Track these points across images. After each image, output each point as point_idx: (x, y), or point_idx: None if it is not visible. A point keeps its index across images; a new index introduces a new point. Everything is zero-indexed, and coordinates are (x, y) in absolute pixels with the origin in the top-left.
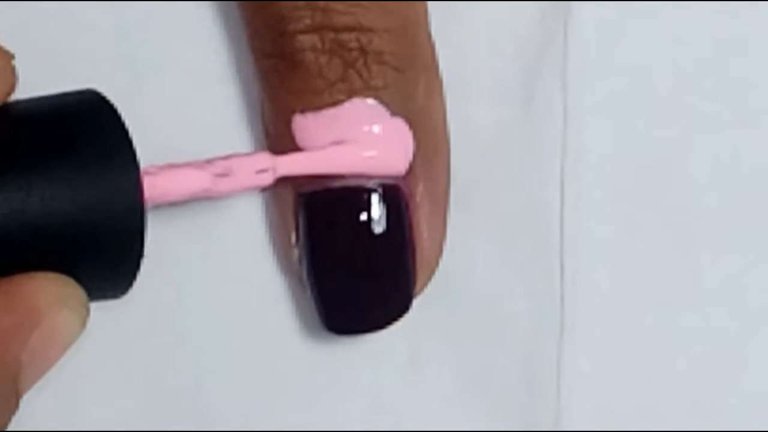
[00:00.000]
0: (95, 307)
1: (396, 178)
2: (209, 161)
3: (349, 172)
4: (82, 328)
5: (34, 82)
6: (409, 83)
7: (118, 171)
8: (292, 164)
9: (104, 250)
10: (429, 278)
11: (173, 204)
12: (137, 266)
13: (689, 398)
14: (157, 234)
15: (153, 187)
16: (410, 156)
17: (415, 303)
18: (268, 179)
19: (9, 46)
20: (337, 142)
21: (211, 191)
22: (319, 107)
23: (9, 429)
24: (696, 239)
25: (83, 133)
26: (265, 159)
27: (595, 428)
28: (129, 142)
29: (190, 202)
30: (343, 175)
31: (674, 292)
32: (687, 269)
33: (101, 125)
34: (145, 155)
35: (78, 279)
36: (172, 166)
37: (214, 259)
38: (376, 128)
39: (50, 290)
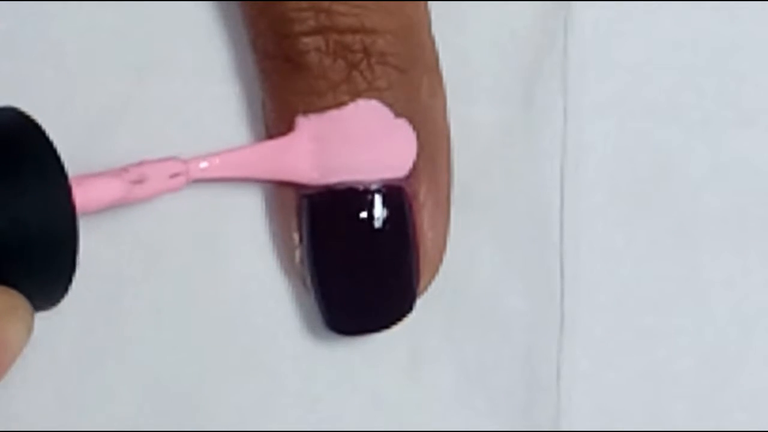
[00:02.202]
0: (96, 307)
1: (399, 178)
2: (124, 168)
3: (273, 177)
4: (29, 337)
5: (34, 82)
6: (412, 84)
7: (50, 186)
8: (204, 168)
9: (40, 263)
10: (432, 278)
11: (89, 213)
12: (71, 277)
13: (689, 398)
14: (157, 234)
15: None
16: (413, 157)
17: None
18: (180, 183)
19: (9, 46)
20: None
21: (126, 199)
22: (322, 109)
23: (9, 429)
24: (696, 239)
25: (12, 152)
26: (177, 164)
27: (595, 428)
28: (57, 157)
29: (189, 203)
30: (269, 179)
31: (674, 292)
32: (687, 269)
33: (28, 142)
34: (145, 155)
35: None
36: (86, 177)
37: (215, 259)
38: (378, 130)
39: None
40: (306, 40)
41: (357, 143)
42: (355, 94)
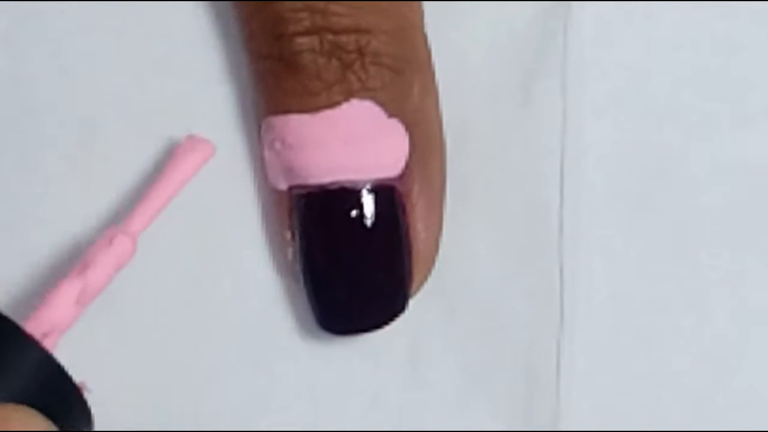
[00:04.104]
0: (94, 307)
1: (391, 178)
2: (70, 268)
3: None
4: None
5: (34, 83)
6: (405, 84)
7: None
8: (138, 220)
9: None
10: (425, 278)
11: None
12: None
13: (689, 398)
14: (155, 234)
15: (47, 323)
16: (405, 157)
17: (415, 302)
18: (127, 244)
19: (9, 46)
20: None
21: (88, 288)
22: (316, 109)
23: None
24: (696, 239)
25: None
26: (111, 230)
27: (594, 428)
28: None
29: (187, 203)
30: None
31: (674, 292)
32: (687, 269)
33: None
34: (145, 155)
35: None
36: (44, 300)
37: (213, 259)
38: (371, 130)
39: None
40: (300, 40)
41: (350, 143)
42: (349, 94)
